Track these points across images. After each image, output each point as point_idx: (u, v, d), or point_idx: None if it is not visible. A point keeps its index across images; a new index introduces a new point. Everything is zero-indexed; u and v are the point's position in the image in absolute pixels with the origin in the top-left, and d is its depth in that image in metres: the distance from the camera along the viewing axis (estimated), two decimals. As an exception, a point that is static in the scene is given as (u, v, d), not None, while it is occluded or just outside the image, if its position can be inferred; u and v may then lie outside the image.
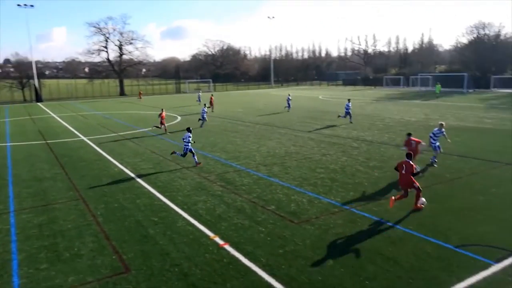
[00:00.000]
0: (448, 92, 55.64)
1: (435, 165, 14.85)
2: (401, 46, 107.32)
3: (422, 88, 65.68)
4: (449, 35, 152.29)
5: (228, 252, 8.30)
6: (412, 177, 10.23)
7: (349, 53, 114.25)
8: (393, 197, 10.29)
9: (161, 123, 25.00)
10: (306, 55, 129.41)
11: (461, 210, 10.28)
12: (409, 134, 14.19)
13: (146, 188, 12.99)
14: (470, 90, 57.35)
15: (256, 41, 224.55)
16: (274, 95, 62.51)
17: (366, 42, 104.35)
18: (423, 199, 10.58)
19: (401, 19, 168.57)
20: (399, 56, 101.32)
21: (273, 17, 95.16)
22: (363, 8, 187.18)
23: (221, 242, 8.79)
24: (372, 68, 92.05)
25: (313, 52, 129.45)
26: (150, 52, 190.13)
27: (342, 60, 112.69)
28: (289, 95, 38.03)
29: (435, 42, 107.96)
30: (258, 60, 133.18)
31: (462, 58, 75.44)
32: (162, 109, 26.12)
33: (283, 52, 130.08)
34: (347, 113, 27.18)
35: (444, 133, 15.17)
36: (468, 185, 12.48)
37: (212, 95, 41.80)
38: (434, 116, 29.73)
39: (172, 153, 16.96)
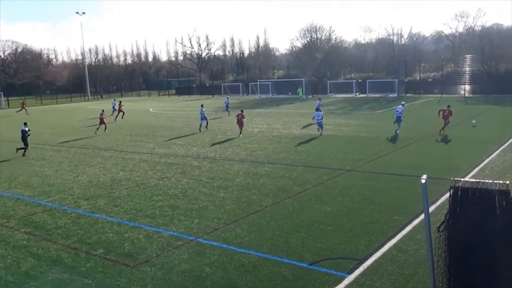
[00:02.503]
0: (288, 99, 61.97)
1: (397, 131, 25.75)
2: (237, 49, 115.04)
3: (263, 95, 71.57)
4: (284, 39, 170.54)
5: (42, 320, 7.45)
6: (448, 117, 24.72)
7: (180, 58, 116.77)
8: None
9: (102, 122, 32.08)
10: (129, 60, 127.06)
11: (312, 224, 11.49)
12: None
13: None
14: (309, 96, 65.07)
15: (64, 43, 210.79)
16: (91, 110, 59.44)
17: (199, 45, 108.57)
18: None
19: (235, 19, 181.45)
20: (236, 61, 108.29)
21: (84, 13, 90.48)
22: (191, 4, 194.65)
23: (31, 308, 7.84)
24: (208, 75, 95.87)
25: (138, 56, 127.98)
26: None
27: (173, 66, 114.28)
28: (227, 98, 47.41)
29: (271, 45, 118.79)
30: (67, 66, 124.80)
31: (298, 62, 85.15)
32: (103, 110, 34.16)
33: (100, 56, 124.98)
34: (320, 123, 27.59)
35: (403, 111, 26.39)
36: (316, 196, 14.04)
37: (120, 101, 46.23)
38: (276, 125, 32.64)
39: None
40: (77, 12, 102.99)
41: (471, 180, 6.31)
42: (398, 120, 26.02)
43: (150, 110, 54.56)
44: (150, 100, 78.39)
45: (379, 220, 11.62)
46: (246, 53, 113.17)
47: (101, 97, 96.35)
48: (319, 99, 38.28)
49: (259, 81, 74.66)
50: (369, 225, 11.30)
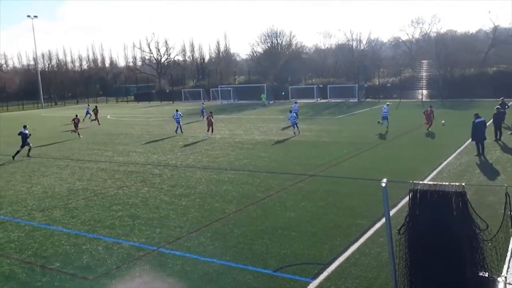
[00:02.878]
0: (250, 105, 62.16)
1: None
2: (197, 55, 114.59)
3: (224, 101, 71.54)
4: (245, 44, 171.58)
5: None
6: (430, 116, 28.24)
7: (139, 63, 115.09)
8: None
9: (76, 127, 33.74)
10: (85, 65, 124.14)
11: (276, 230, 11.58)
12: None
13: None
14: (271, 102, 65.54)
15: (15, 48, 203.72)
16: (46, 117, 57.77)
17: (158, 50, 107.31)
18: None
19: (194, 24, 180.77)
20: (196, 66, 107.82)
21: (36, 16, 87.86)
22: (149, 8, 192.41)
23: (-17, 328, 7.54)
24: (168, 80, 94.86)
25: (95, 61, 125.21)
26: None
27: (131, 71, 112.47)
28: (202, 103, 50.20)
29: (232, 51, 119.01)
30: (19, 72, 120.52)
31: (259, 67, 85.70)
32: (76, 115, 35.50)
33: (54, 62, 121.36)
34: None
35: (389, 111, 30.33)
36: (279, 202, 14.17)
37: (96, 106, 47.52)
38: (238, 131, 32.72)
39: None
40: (28, 16, 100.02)
41: (429, 182, 6.54)
42: (384, 119, 30.10)
43: (108, 117, 53.46)
44: (107, 106, 76.78)
45: (342, 224, 11.85)
46: (207, 58, 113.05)
47: (56, 104, 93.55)
48: (296, 102, 40.48)
49: (220, 87, 74.56)
50: (333, 229, 11.51)
